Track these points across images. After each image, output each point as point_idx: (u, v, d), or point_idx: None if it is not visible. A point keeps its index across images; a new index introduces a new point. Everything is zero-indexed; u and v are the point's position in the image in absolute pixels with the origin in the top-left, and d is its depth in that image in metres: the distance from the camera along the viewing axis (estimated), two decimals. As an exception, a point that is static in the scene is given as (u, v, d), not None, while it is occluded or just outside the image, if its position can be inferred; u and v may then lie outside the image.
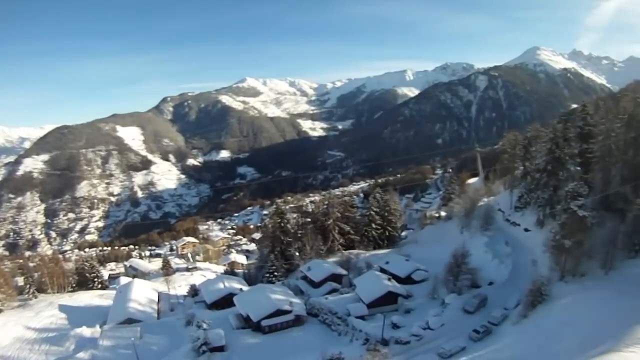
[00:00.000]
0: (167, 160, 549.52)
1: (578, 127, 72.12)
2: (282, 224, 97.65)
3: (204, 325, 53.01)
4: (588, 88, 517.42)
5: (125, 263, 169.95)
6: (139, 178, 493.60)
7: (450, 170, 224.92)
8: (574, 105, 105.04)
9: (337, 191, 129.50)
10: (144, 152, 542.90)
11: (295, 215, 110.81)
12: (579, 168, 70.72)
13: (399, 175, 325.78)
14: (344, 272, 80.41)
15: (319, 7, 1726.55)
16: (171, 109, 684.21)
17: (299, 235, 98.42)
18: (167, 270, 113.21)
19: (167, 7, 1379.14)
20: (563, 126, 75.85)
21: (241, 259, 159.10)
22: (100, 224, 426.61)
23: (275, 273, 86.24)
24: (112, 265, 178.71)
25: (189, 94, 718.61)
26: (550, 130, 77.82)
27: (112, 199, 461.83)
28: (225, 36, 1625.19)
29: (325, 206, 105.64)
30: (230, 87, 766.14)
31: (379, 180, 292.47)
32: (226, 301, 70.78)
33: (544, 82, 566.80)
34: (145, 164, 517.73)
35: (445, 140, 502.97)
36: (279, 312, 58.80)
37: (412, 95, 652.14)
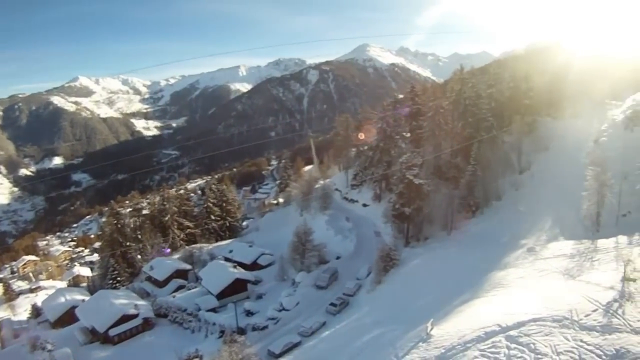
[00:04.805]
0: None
1: (408, 106, 77.49)
2: (119, 225, 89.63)
3: (49, 347, 47.26)
4: (414, 80, 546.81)
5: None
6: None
7: (285, 160, 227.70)
8: (401, 96, 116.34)
9: (173, 190, 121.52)
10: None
11: (132, 218, 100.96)
12: (410, 144, 75.81)
13: (235, 170, 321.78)
14: (188, 266, 76.37)
15: (151, 4, 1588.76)
16: (0, 113, 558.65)
17: (139, 236, 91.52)
18: (9, 295, 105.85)
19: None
20: (393, 107, 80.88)
21: (85, 271, 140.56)
22: None
23: (119, 278, 78.11)
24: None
25: (20, 95, 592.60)
26: (380, 110, 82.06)
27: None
28: (56, 34, 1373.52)
29: (161, 203, 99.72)
30: (62, 87, 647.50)
31: (216, 176, 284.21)
32: (70, 316, 62.39)
33: (372, 76, 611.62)
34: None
35: (279, 132, 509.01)
36: (126, 318, 52.79)
37: (245, 90, 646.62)
